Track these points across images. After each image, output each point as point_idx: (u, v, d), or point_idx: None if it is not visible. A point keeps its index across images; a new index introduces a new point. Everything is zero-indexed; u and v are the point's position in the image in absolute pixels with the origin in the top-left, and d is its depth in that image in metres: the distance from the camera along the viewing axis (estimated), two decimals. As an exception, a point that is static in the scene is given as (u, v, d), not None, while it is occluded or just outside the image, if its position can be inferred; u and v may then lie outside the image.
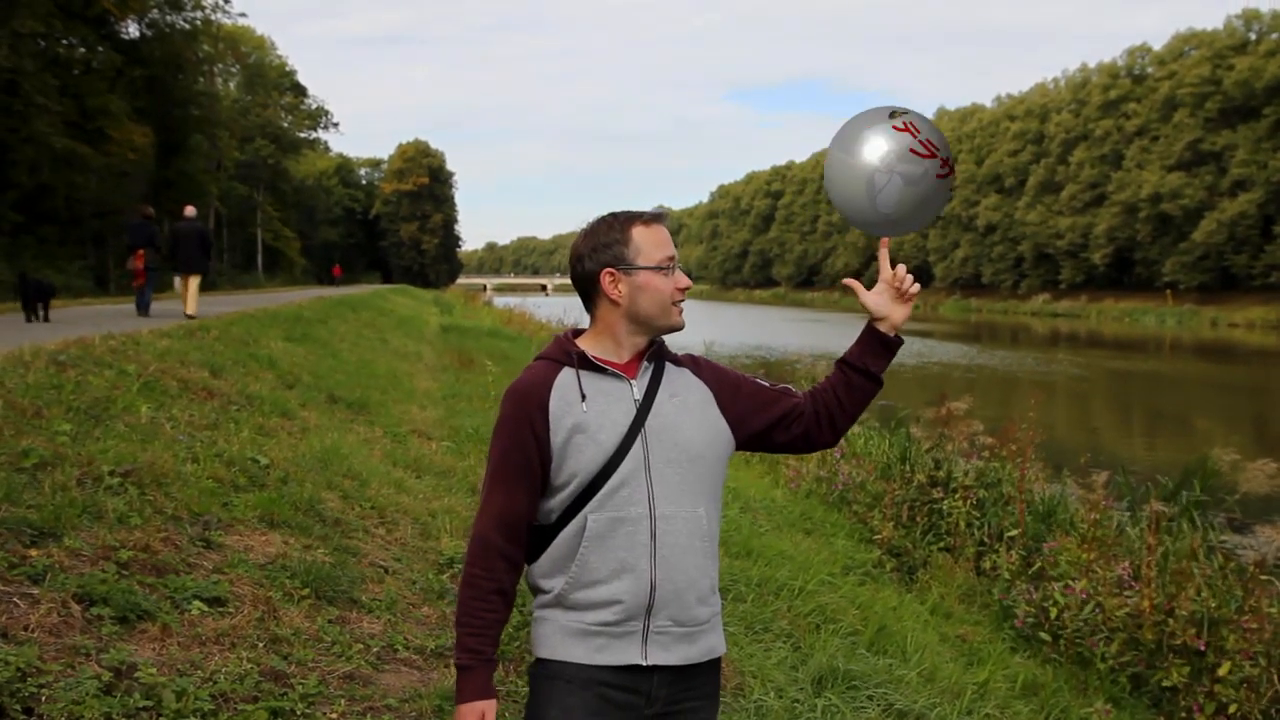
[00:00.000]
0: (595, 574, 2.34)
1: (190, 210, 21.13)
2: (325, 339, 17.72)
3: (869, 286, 2.57)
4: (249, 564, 4.96)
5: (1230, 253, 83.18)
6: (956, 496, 9.24)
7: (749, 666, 5.21)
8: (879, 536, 9.02)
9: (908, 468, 10.31)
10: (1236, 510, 9.17)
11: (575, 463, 2.35)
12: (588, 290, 2.47)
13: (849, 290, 2.65)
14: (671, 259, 2.43)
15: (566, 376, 2.41)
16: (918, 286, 2.56)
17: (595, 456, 2.34)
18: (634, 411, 2.39)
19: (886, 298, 2.55)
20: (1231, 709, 6.07)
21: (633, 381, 2.43)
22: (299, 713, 3.68)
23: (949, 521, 9.18)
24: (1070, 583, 7.23)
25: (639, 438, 2.37)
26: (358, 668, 4.26)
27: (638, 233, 2.42)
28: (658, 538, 2.35)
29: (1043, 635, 7.13)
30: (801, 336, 48.19)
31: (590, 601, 2.35)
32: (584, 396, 2.38)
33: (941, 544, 9.11)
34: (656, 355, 2.49)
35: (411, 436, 10.22)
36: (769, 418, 2.55)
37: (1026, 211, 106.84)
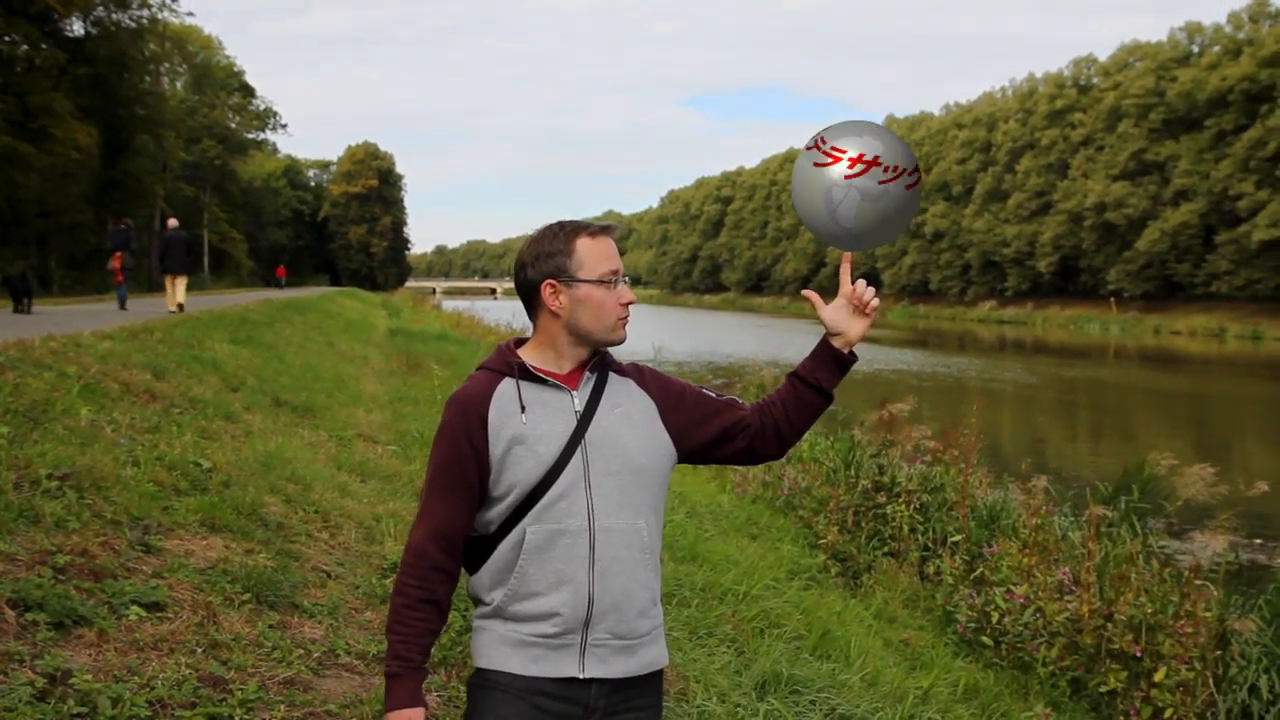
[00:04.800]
0: (534, 586, 2.33)
1: (174, 222, 24.41)
2: (271, 342, 17.57)
3: (821, 292, 2.54)
4: (189, 568, 4.92)
5: (1173, 261, 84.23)
6: (901, 501, 9.31)
7: (692, 671, 5.22)
8: (824, 541, 9.08)
9: (852, 473, 10.36)
10: (1175, 516, 9.29)
11: (514, 474, 2.33)
12: (530, 299, 2.44)
13: (806, 300, 2.61)
14: (615, 273, 2.40)
15: (507, 387, 2.39)
16: (877, 301, 2.51)
17: (534, 468, 2.32)
18: (574, 423, 2.37)
19: (845, 313, 2.51)
20: (1167, 713, 6.15)
21: (574, 393, 2.40)
22: (238, 719, 3.65)
23: (893, 526, 9.24)
24: (1011, 588, 7.30)
25: (579, 450, 2.35)
26: (298, 673, 4.23)
27: (582, 244, 2.39)
28: (596, 550, 2.33)
29: (984, 640, 7.19)
30: (753, 342, 48.29)
31: (529, 614, 2.34)
32: (524, 408, 2.36)
33: (886, 549, 9.17)
34: (599, 365, 2.46)
35: (357, 440, 10.17)
36: (714, 430, 2.52)
37: (974, 219, 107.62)
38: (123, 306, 22.43)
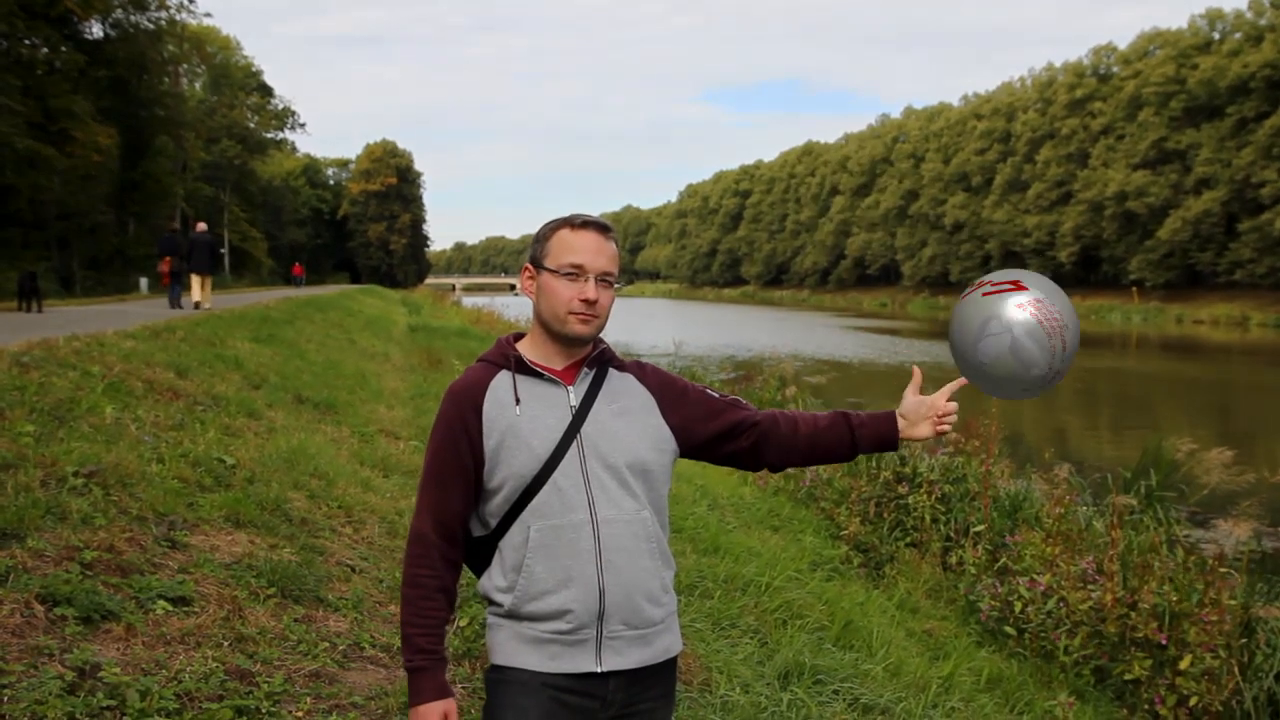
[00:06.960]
0: (543, 585, 2.33)
1: (202, 225, 26.20)
2: (292, 339, 17.63)
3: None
4: (214, 564, 4.95)
5: (1195, 250, 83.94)
6: (922, 492, 9.29)
7: (715, 662, 5.23)
8: (846, 532, 9.06)
9: (874, 464, 10.34)
10: (1198, 504, 9.26)
11: (508, 467, 2.34)
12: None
13: (910, 373, 2.68)
14: (578, 267, 2.37)
15: (503, 379, 2.41)
16: (951, 425, 2.60)
17: (528, 462, 2.34)
18: (569, 418, 2.38)
19: (923, 410, 2.58)
20: (1193, 701, 6.13)
21: (570, 388, 2.41)
22: (264, 711, 3.67)
23: (915, 517, 9.22)
24: (1034, 577, 7.28)
25: (574, 444, 2.36)
26: (324, 666, 4.25)
27: (560, 235, 2.42)
28: (601, 542, 2.34)
29: (1007, 629, 7.18)
30: (772, 335, 48.22)
31: (542, 613, 2.34)
32: (518, 400, 2.37)
33: (908, 540, 9.15)
34: (598, 361, 2.47)
35: (379, 436, 10.20)
36: (717, 426, 2.53)
37: (994, 210, 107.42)
38: (177, 305, 24.18)
